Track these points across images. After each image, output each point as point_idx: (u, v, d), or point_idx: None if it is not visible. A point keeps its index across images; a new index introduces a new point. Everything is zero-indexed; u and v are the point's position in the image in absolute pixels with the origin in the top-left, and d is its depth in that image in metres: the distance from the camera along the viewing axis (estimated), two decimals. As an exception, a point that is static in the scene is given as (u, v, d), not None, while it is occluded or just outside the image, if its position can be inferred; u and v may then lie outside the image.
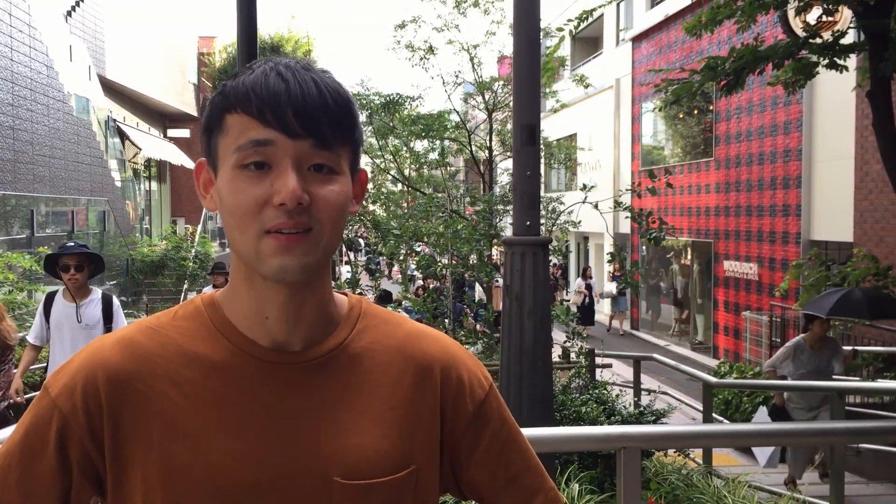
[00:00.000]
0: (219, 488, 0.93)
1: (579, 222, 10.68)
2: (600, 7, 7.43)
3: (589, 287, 18.38)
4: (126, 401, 0.95)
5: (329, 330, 1.03)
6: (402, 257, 14.29)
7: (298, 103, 0.91)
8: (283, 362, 0.99)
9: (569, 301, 18.42)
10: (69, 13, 15.62)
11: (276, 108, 0.91)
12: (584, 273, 19.08)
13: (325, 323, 1.03)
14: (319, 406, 0.99)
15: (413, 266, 15.34)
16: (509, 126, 14.24)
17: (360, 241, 22.87)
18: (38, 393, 1.00)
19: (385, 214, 13.60)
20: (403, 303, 13.70)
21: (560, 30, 8.59)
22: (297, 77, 0.93)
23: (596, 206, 9.09)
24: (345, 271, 17.60)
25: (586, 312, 18.00)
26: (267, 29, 26.25)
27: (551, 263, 10.96)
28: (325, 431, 0.98)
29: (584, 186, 9.50)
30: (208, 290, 5.79)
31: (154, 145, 20.97)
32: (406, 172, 16.11)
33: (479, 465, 1.09)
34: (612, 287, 18.12)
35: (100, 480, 0.97)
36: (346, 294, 1.10)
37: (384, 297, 12.77)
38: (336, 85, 0.95)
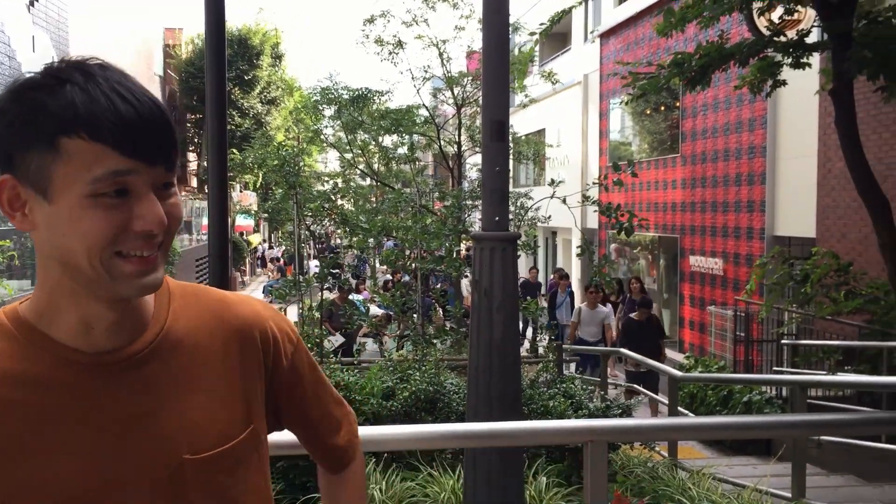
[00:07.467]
0: (68, 499, 0.94)
1: (549, 217, 10.65)
2: (573, 7, 7.42)
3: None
4: None
5: (146, 319, 1.04)
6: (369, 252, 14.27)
7: (152, 131, 0.90)
8: (111, 363, 0.99)
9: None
10: (32, 2, 15.32)
11: (135, 137, 0.89)
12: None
13: (142, 314, 1.03)
14: (157, 394, 1.01)
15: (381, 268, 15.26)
16: (478, 121, 14.26)
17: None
18: None
19: (353, 209, 13.58)
20: (371, 296, 13.65)
21: (533, 33, 8.62)
22: (137, 97, 0.90)
23: (564, 202, 9.14)
24: (313, 265, 17.49)
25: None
26: (234, 21, 26.00)
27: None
28: (166, 417, 1.00)
29: (553, 181, 9.55)
30: None
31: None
32: (375, 167, 16.08)
33: (297, 407, 1.23)
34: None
35: None
36: None
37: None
38: (157, 98, 0.94)
